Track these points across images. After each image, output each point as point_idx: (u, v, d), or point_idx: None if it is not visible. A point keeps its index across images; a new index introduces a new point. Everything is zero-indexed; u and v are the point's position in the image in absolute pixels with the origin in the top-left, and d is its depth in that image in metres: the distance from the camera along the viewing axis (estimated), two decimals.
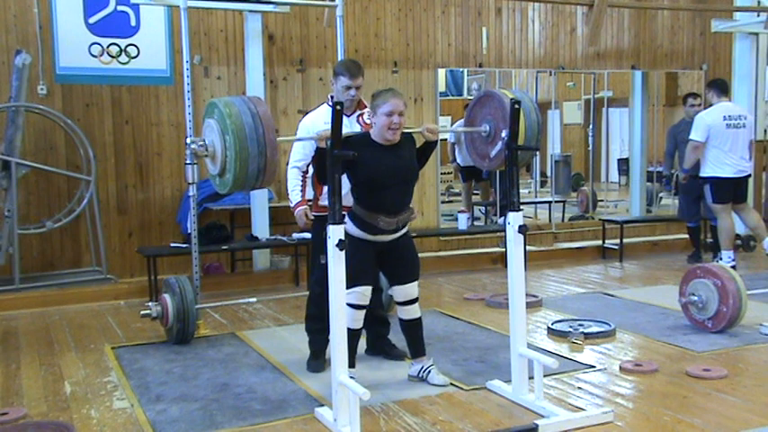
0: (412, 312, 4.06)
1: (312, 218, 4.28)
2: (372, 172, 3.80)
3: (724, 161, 6.84)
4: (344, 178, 3.74)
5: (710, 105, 7.06)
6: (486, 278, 7.13)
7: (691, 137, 6.93)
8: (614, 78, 9.65)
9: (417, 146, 4.04)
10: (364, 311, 3.94)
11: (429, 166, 7.98)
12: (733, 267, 6.62)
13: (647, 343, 4.76)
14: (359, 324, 3.92)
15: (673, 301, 5.29)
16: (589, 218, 9.49)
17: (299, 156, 4.33)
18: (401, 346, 4.48)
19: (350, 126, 4.24)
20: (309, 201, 4.36)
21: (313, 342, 4.38)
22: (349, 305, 3.76)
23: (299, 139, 4.26)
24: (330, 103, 4.25)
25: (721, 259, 6.97)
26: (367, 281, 3.91)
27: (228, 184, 3.23)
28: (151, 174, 6.96)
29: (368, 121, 4.34)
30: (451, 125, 11.80)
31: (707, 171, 6.94)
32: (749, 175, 7.06)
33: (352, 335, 3.82)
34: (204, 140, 3.29)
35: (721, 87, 7.08)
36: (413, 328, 4.08)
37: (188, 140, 3.30)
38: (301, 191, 4.33)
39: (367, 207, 3.85)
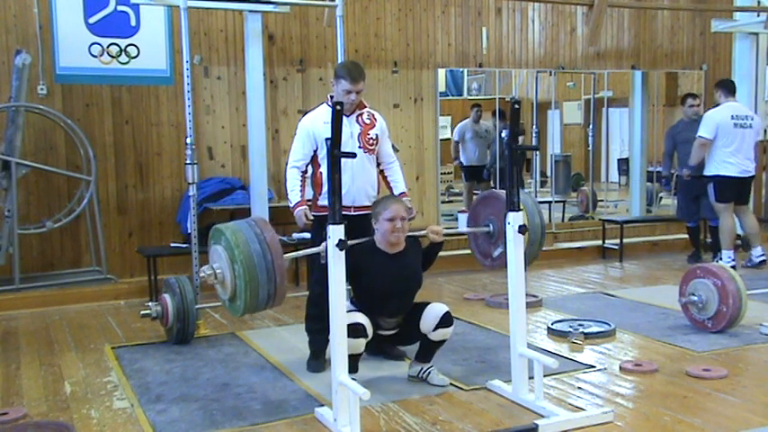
0: (446, 335, 3.94)
1: (312, 218, 4.26)
2: (375, 283, 3.84)
3: (729, 160, 6.87)
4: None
5: (717, 105, 7.08)
6: (486, 278, 7.12)
7: (699, 134, 6.96)
8: (614, 78, 9.64)
9: (423, 246, 4.08)
10: (362, 342, 3.78)
11: (429, 165, 8.05)
12: (733, 267, 6.64)
13: (647, 343, 4.76)
14: (355, 351, 3.73)
15: (673, 301, 5.29)
16: (589, 218, 9.49)
17: (298, 155, 4.32)
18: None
19: (349, 126, 4.22)
20: (309, 201, 4.35)
21: (313, 342, 4.37)
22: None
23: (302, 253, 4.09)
24: (330, 104, 4.24)
25: (721, 259, 6.98)
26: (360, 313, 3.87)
27: (240, 310, 3.25)
28: (151, 174, 6.96)
29: (367, 121, 4.33)
30: (452, 125, 11.79)
31: (711, 170, 6.96)
32: (753, 176, 7.08)
33: (350, 357, 3.69)
34: (213, 267, 3.29)
35: (729, 87, 7.13)
36: (436, 346, 4.00)
37: (200, 271, 3.35)
38: (301, 191, 4.30)
39: (367, 309, 3.89)
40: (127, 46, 6.77)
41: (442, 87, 9.13)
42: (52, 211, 6.61)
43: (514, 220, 3.66)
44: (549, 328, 5.03)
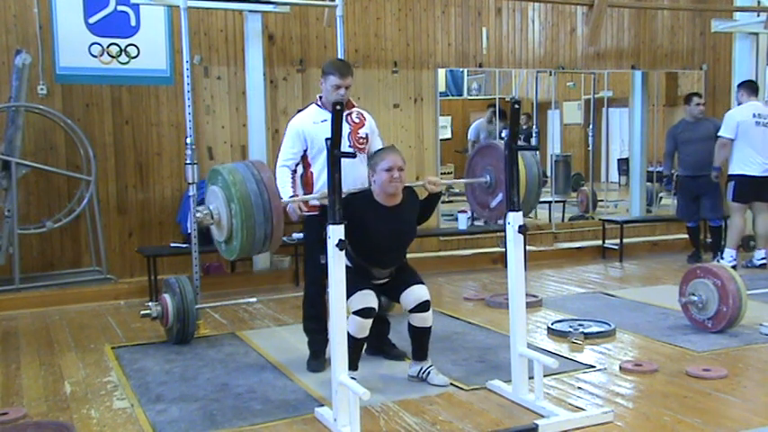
0: (425, 321, 3.95)
1: (305, 210, 4.26)
2: (371, 235, 3.81)
3: (752, 159, 6.93)
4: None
5: (740, 104, 7.15)
6: (486, 278, 7.12)
7: (720, 133, 7.04)
8: (614, 78, 9.64)
9: (421, 198, 4.07)
10: (371, 321, 3.83)
11: (429, 165, 8.04)
12: (733, 267, 6.66)
13: (647, 343, 4.76)
14: (363, 333, 3.83)
15: (673, 301, 5.28)
16: (589, 218, 9.49)
17: (288, 155, 4.29)
18: (401, 346, 4.48)
19: None
20: None
21: (312, 342, 4.38)
22: (355, 313, 3.75)
23: (306, 198, 4.13)
24: (319, 103, 4.29)
25: (723, 258, 6.99)
26: (366, 285, 3.87)
27: (236, 251, 3.22)
28: (151, 174, 6.96)
29: (356, 120, 4.31)
30: (452, 125, 11.80)
31: (735, 169, 7.03)
32: None
33: (356, 343, 3.78)
34: (209, 208, 3.27)
35: (752, 87, 7.22)
36: (422, 336, 4.00)
37: (194, 211, 3.33)
38: (292, 187, 4.27)
39: (360, 258, 3.88)
40: (127, 46, 6.77)
41: (442, 87, 9.13)
42: (52, 211, 6.61)
43: (514, 220, 3.65)
44: (549, 328, 5.03)
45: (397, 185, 3.82)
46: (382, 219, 3.85)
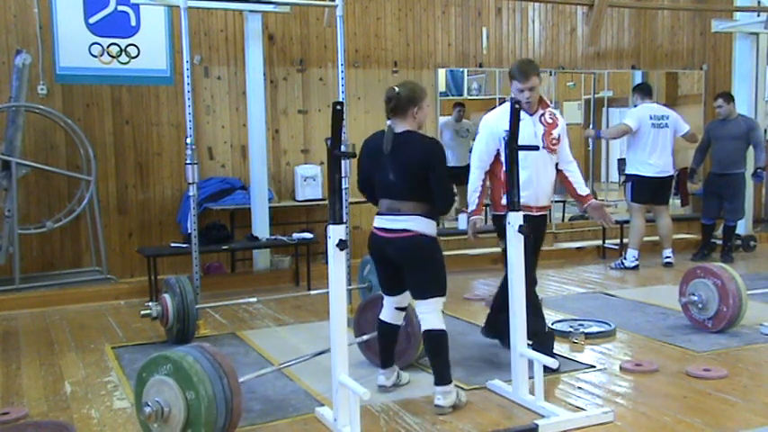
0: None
1: (478, 233, 4.38)
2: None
3: (647, 161, 7.07)
4: None
5: (635, 106, 7.30)
6: (487, 278, 7.12)
7: (624, 121, 7.20)
8: (614, 78, 9.63)
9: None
10: None
11: None
12: (636, 267, 7.04)
13: (647, 343, 4.76)
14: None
15: (673, 301, 5.29)
16: (589, 218, 9.46)
17: (483, 156, 4.28)
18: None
19: (533, 125, 4.18)
20: (487, 204, 4.39)
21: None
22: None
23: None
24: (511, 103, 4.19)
25: (626, 259, 7.11)
26: None
27: None
28: (151, 174, 6.97)
29: (549, 121, 4.24)
30: None
31: (630, 169, 7.23)
32: (671, 176, 7.20)
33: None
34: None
35: (645, 90, 7.37)
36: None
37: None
38: (479, 197, 4.31)
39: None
40: (127, 46, 6.77)
41: (442, 87, 9.10)
42: (52, 211, 6.61)
43: (514, 220, 3.65)
44: (549, 327, 5.02)
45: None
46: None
